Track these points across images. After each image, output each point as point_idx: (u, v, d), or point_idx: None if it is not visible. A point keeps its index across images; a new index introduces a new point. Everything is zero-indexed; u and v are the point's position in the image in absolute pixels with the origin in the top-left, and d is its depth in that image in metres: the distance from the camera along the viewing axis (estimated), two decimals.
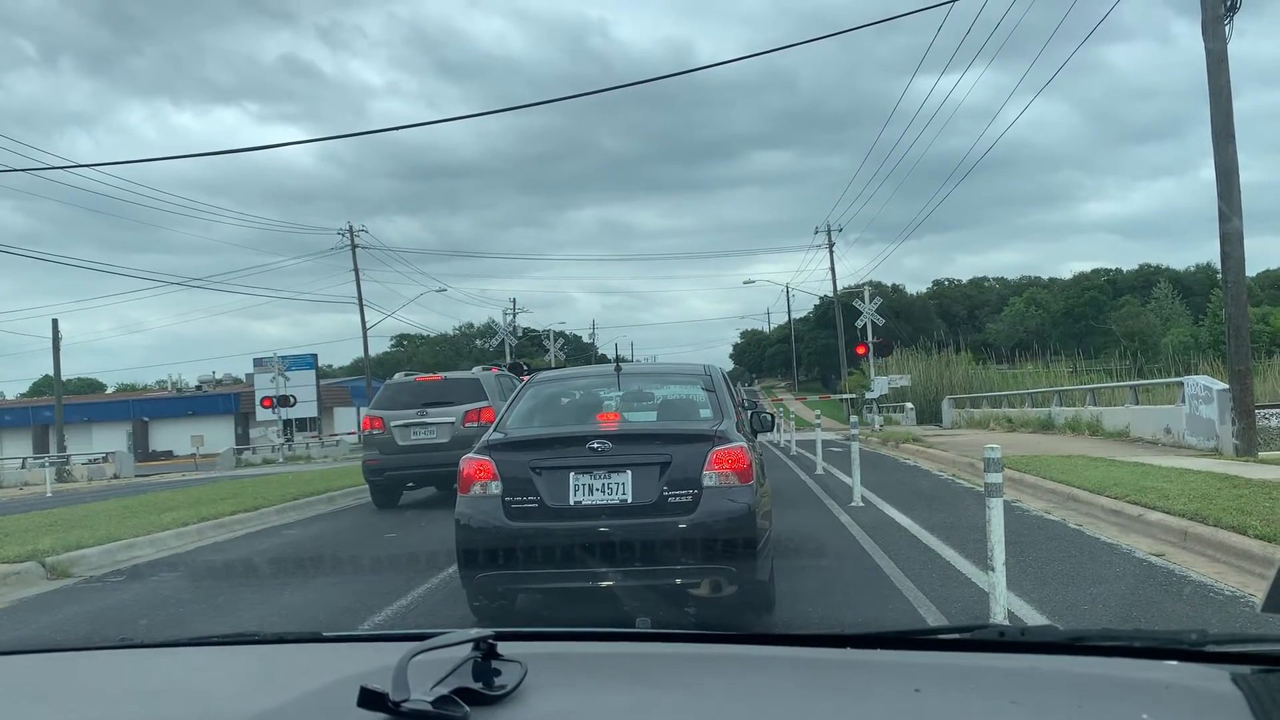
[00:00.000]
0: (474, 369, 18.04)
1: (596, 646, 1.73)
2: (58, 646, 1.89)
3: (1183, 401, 18.01)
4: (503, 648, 1.38)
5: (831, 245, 51.23)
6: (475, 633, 1.38)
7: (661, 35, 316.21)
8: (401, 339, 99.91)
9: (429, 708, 1.16)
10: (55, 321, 42.42)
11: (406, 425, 15.28)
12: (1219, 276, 17.71)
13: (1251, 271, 46.98)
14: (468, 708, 1.20)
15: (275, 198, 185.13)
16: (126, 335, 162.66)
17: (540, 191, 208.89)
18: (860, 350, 38.83)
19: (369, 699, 1.15)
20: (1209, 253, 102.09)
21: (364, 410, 19.99)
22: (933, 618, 6.21)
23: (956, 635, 1.62)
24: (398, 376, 17.41)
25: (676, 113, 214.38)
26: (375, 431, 15.58)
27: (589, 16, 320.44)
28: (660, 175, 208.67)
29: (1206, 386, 17.09)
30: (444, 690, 1.21)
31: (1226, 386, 15.91)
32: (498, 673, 1.33)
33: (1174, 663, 1.36)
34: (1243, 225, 15.03)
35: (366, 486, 16.85)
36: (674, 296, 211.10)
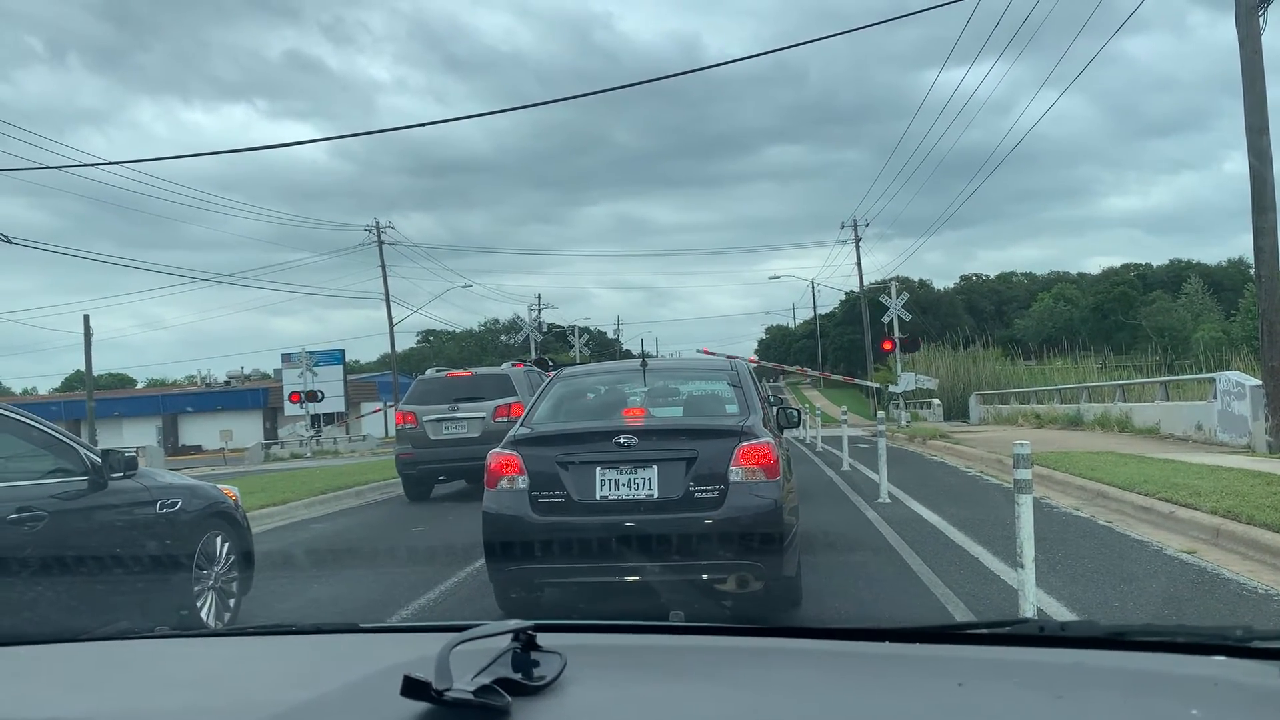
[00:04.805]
0: (503, 365, 18.20)
1: (633, 639, 1.73)
2: (96, 636, 1.91)
3: (1214, 398, 17.80)
4: (541, 639, 1.39)
5: (858, 240, 50.87)
6: (515, 624, 1.38)
7: (667, 29, 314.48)
8: (427, 335, 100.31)
9: (471, 697, 1.17)
10: (87, 318, 42.83)
11: (439, 420, 15.46)
12: (1251, 271, 17.46)
13: None
14: (509, 697, 1.21)
15: (288, 193, 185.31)
16: (152, 331, 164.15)
17: (553, 187, 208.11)
18: (886, 346, 38.18)
19: (412, 688, 1.16)
20: (1239, 247, 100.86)
21: (388, 406, 20.20)
22: (961, 614, 6.17)
23: (995, 630, 1.60)
24: (429, 372, 17.63)
25: (687, 107, 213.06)
26: (408, 426, 15.82)
27: (594, 10, 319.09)
28: (673, 170, 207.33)
29: (1239, 382, 16.88)
30: (485, 680, 1.22)
31: (1260, 383, 15.70)
32: (537, 664, 1.34)
33: (1221, 658, 1.34)
34: (1278, 218, 14.80)
35: (393, 481, 17.04)
36: (694, 292, 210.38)
